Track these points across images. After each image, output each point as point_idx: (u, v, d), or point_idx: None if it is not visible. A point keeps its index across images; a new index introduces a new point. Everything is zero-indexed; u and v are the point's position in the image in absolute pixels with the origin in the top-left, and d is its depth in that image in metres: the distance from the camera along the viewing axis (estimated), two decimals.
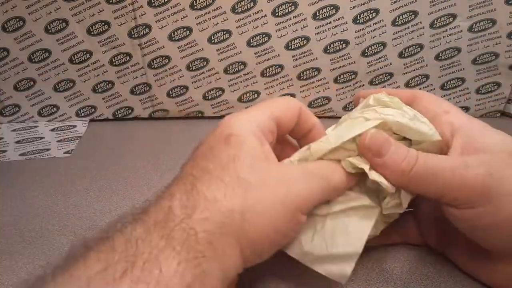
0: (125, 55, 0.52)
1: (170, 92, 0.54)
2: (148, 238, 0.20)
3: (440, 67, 0.52)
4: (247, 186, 0.23)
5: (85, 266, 0.19)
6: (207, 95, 0.54)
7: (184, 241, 0.20)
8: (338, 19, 0.49)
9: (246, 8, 0.48)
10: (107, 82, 0.54)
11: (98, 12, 0.49)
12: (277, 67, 0.52)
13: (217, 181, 0.23)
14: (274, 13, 0.49)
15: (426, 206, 0.32)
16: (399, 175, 0.25)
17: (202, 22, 0.49)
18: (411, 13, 0.48)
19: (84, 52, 0.51)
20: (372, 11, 0.48)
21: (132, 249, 0.19)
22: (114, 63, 0.52)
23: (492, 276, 0.28)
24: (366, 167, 0.26)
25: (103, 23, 0.50)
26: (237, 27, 0.49)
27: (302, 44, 0.50)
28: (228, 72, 0.53)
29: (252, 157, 0.24)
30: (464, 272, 0.30)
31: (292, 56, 0.51)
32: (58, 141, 0.52)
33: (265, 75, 0.53)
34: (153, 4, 0.48)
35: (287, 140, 0.31)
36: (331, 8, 0.48)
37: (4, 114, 0.55)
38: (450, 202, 0.25)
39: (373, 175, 0.26)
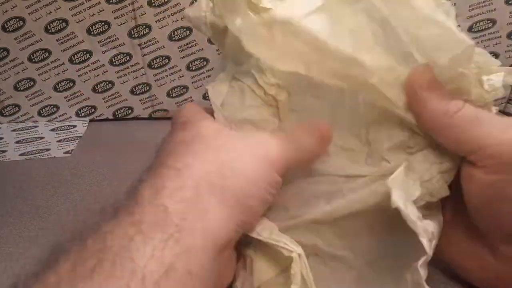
0: (125, 55, 0.52)
1: (170, 92, 0.54)
2: (116, 230, 0.19)
3: None
4: (218, 149, 0.23)
5: (56, 268, 0.18)
6: (207, 95, 0.54)
7: (155, 222, 0.19)
8: None
9: None
10: (107, 82, 0.54)
11: (98, 12, 0.49)
12: None
13: (186, 152, 0.23)
14: None
15: None
16: (441, 114, 0.23)
17: None
18: None
19: (84, 52, 0.51)
20: None
21: (100, 244, 0.19)
22: (114, 63, 0.52)
23: (482, 271, 0.26)
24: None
25: (103, 23, 0.50)
26: None
27: None
28: None
29: (214, 130, 0.25)
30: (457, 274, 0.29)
31: None
32: (58, 141, 0.52)
33: None
34: (153, 4, 0.48)
35: None
36: None
37: (4, 114, 0.55)
38: (480, 160, 0.23)
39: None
